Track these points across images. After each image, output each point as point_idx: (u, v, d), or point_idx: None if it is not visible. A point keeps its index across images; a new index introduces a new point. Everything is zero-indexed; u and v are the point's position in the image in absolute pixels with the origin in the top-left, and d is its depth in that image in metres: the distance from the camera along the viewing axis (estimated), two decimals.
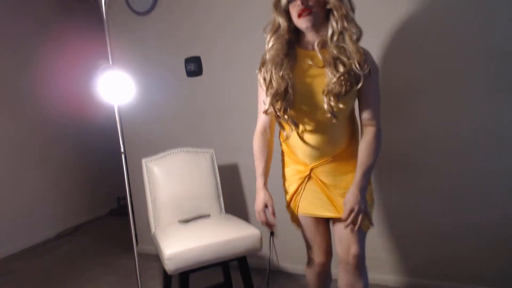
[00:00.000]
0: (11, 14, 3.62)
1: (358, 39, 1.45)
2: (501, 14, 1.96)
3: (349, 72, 1.42)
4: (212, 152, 2.37)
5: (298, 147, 1.58)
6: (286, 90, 1.46)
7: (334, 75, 1.42)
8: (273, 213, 1.60)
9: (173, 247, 1.84)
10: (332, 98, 1.44)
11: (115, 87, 1.93)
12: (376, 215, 2.37)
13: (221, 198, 2.35)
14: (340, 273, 1.63)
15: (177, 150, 2.32)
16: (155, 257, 2.97)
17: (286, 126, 1.57)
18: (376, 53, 2.21)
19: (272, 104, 1.49)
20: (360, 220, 1.48)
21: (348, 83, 1.43)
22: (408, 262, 2.33)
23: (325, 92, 1.45)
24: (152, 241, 2.17)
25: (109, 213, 4.46)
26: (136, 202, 3.12)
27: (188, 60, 2.79)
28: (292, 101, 1.48)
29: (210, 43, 2.71)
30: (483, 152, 2.08)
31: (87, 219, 4.24)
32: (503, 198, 2.06)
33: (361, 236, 1.56)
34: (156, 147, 2.55)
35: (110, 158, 3.53)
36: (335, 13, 1.42)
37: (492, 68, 2.01)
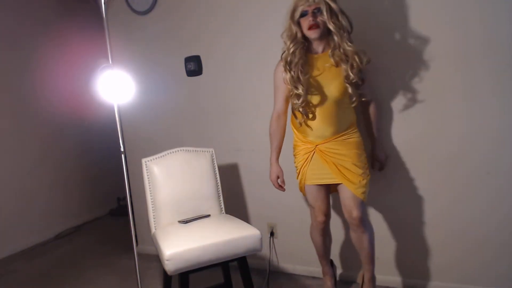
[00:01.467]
0: (11, 15, 3.62)
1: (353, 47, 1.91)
2: (501, 11, 1.96)
3: (358, 68, 1.90)
4: (212, 152, 2.36)
5: (305, 130, 2.02)
6: (306, 89, 1.91)
7: (351, 70, 1.89)
8: (283, 182, 2.15)
9: (173, 248, 1.83)
10: (350, 85, 1.92)
11: (115, 87, 1.93)
12: (376, 216, 2.37)
13: (221, 198, 2.35)
14: (351, 232, 2.11)
15: (177, 149, 2.32)
16: (155, 257, 2.97)
17: (298, 115, 1.99)
18: (376, 55, 2.21)
19: (298, 97, 1.92)
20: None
21: (358, 75, 1.92)
22: (409, 263, 2.33)
23: (348, 82, 1.91)
24: (152, 241, 2.17)
25: (109, 213, 4.46)
26: (136, 202, 3.12)
27: (188, 59, 2.78)
28: (304, 96, 1.91)
29: (210, 42, 2.71)
30: (482, 153, 2.08)
31: (87, 219, 4.24)
32: (503, 199, 2.06)
33: (360, 203, 2.00)
34: (156, 147, 2.55)
35: (110, 158, 3.53)
36: (336, 32, 1.88)
37: (491, 70, 2.00)
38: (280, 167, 2.14)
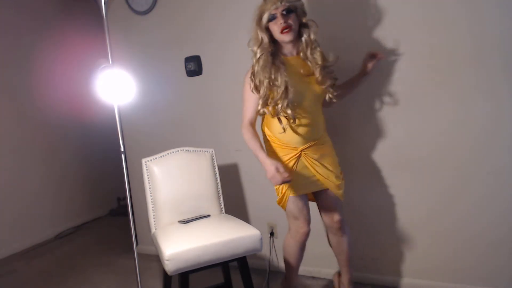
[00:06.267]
0: (10, 14, 3.61)
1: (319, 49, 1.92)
2: (493, 10, 1.96)
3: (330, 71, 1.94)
4: (212, 152, 2.36)
5: (290, 135, 1.91)
6: (286, 89, 1.81)
7: (324, 75, 1.89)
8: (284, 171, 1.83)
9: (173, 248, 1.83)
10: (330, 90, 1.93)
11: (115, 87, 1.93)
12: (375, 216, 2.37)
13: (221, 198, 2.34)
14: (330, 236, 2.12)
15: (177, 149, 2.32)
16: (155, 257, 2.97)
17: (283, 119, 1.87)
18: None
19: (275, 102, 1.83)
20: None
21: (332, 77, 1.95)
22: (408, 262, 2.33)
23: (325, 88, 1.91)
24: (152, 241, 2.17)
25: (109, 213, 4.46)
26: (136, 202, 3.12)
27: (188, 59, 2.78)
28: (290, 98, 1.82)
29: (210, 42, 2.71)
30: (481, 152, 2.07)
31: (87, 219, 4.24)
32: (502, 198, 2.06)
33: (340, 206, 2.04)
34: (156, 147, 2.55)
35: (110, 158, 3.53)
36: (309, 30, 1.87)
37: (489, 69, 2.00)
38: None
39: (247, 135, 1.94)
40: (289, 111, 1.83)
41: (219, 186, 2.34)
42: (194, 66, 2.77)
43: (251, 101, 1.93)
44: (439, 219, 2.20)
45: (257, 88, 1.86)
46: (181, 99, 2.89)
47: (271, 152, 1.99)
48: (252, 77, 1.87)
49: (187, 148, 2.34)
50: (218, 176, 2.35)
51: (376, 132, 2.29)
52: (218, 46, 2.69)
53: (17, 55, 3.64)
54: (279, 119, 1.88)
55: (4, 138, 3.53)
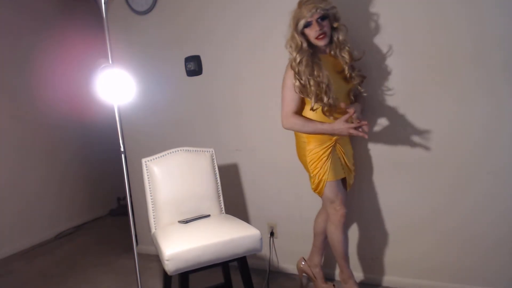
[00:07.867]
0: (10, 14, 3.61)
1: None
2: (493, 10, 1.96)
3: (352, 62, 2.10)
4: (212, 152, 2.36)
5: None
6: (329, 82, 1.97)
7: (353, 72, 2.07)
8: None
9: (173, 248, 1.83)
10: (359, 88, 2.10)
11: (115, 87, 1.92)
12: (376, 216, 2.37)
13: (221, 198, 2.34)
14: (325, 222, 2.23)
15: (177, 149, 2.31)
16: (155, 257, 2.97)
17: (328, 109, 2.03)
18: (376, 55, 2.21)
19: (325, 96, 1.97)
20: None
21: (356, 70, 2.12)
22: (408, 262, 2.33)
23: (353, 85, 2.09)
24: (152, 241, 2.17)
25: (109, 213, 4.46)
26: (136, 202, 3.12)
27: (188, 59, 2.78)
28: (333, 90, 1.98)
29: (210, 42, 2.71)
30: (481, 152, 2.08)
31: (87, 219, 4.24)
32: (502, 198, 2.06)
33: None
34: (156, 147, 2.55)
35: (110, 158, 3.53)
36: (339, 32, 2.02)
37: (489, 69, 2.00)
38: None
39: (299, 121, 2.07)
40: (331, 102, 1.98)
41: (219, 186, 2.34)
42: (194, 66, 2.77)
43: (292, 97, 2.07)
44: (439, 219, 2.21)
45: (303, 87, 2.00)
46: (181, 99, 2.89)
47: (306, 143, 2.10)
48: (297, 77, 2.00)
49: (187, 148, 2.34)
50: (218, 176, 2.35)
51: (376, 132, 2.29)
52: (218, 46, 2.69)
53: (17, 55, 3.64)
54: (324, 113, 2.03)
55: (4, 138, 3.53)
